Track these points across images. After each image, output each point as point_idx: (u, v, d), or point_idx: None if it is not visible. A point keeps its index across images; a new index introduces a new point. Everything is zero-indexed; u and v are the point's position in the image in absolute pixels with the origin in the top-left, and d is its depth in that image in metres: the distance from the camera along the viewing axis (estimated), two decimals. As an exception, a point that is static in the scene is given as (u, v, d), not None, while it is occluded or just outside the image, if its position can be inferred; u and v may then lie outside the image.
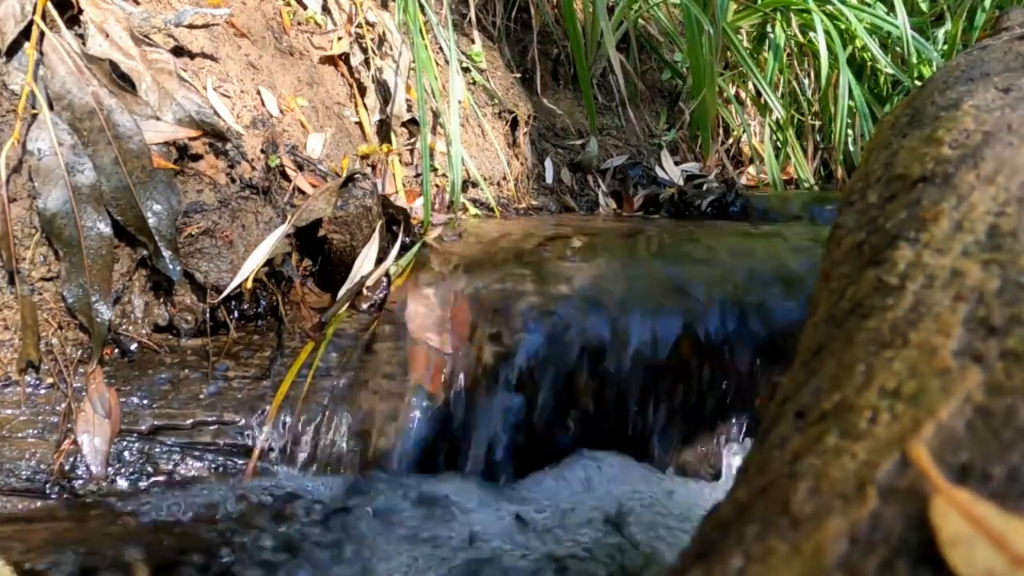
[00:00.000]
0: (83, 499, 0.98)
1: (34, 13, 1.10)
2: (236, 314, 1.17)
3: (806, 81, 2.74)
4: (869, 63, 2.82)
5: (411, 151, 1.73)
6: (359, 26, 1.70)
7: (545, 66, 2.27)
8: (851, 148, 2.63)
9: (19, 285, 1.02)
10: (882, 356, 0.38)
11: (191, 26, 1.27)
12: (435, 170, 1.73)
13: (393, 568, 0.89)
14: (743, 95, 2.73)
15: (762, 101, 2.54)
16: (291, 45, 1.58)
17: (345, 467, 1.04)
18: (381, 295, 1.23)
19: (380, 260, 1.25)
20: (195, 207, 1.15)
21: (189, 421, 1.03)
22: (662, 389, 1.12)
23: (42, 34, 1.10)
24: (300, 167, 1.36)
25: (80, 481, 0.98)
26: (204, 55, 1.31)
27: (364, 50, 1.70)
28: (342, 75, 1.68)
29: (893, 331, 0.39)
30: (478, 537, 0.94)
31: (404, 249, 1.33)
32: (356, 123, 1.65)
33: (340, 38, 1.68)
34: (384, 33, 1.74)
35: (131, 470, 1.00)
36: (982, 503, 0.27)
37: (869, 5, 2.71)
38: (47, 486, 0.97)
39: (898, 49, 2.60)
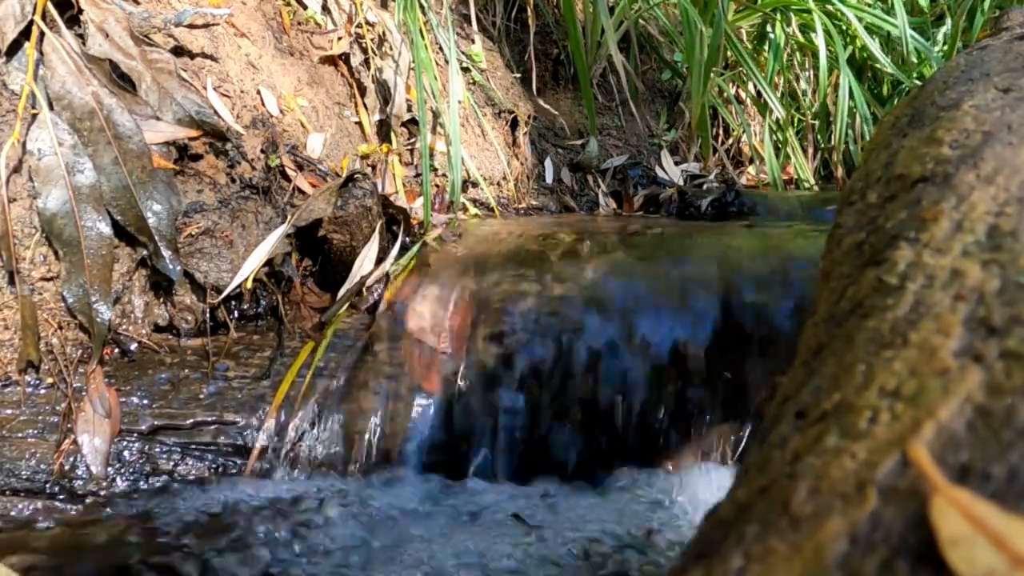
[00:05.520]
0: (83, 499, 0.97)
1: (34, 13, 1.10)
2: (236, 314, 1.17)
3: (806, 81, 2.74)
4: (869, 63, 2.82)
5: (411, 151, 1.73)
6: (359, 26, 1.70)
7: (545, 66, 2.27)
8: (851, 148, 2.63)
9: (19, 285, 1.02)
10: (882, 356, 0.38)
11: (191, 26, 1.27)
12: (435, 170, 1.73)
13: (395, 570, 0.89)
14: (743, 95, 2.72)
15: (762, 101, 2.54)
16: (291, 45, 1.58)
17: (345, 467, 1.04)
18: (381, 295, 1.23)
19: (380, 260, 1.25)
20: (195, 207, 1.15)
21: (189, 421, 1.03)
22: (664, 389, 1.12)
23: (42, 34, 1.10)
24: (300, 167, 1.36)
25: (80, 481, 0.98)
26: (204, 55, 1.31)
27: (364, 50, 1.70)
28: (342, 75, 1.68)
29: (893, 331, 0.39)
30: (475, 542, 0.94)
31: (404, 249, 1.33)
32: (356, 123, 1.65)
33: (340, 38, 1.68)
34: (384, 33, 1.74)
35: (131, 470, 1.00)
36: (982, 503, 0.27)
37: (869, 5, 2.71)
38: (47, 486, 0.97)
39: (899, 49, 2.60)
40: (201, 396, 1.05)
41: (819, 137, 2.69)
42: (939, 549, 0.26)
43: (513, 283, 1.21)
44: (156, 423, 1.02)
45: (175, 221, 1.10)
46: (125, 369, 1.07)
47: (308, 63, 1.59)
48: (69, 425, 1.00)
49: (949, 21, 2.88)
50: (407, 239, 1.36)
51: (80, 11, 1.15)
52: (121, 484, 0.99)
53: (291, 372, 1.09)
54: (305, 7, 1.66)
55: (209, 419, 1.04)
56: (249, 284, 1.15)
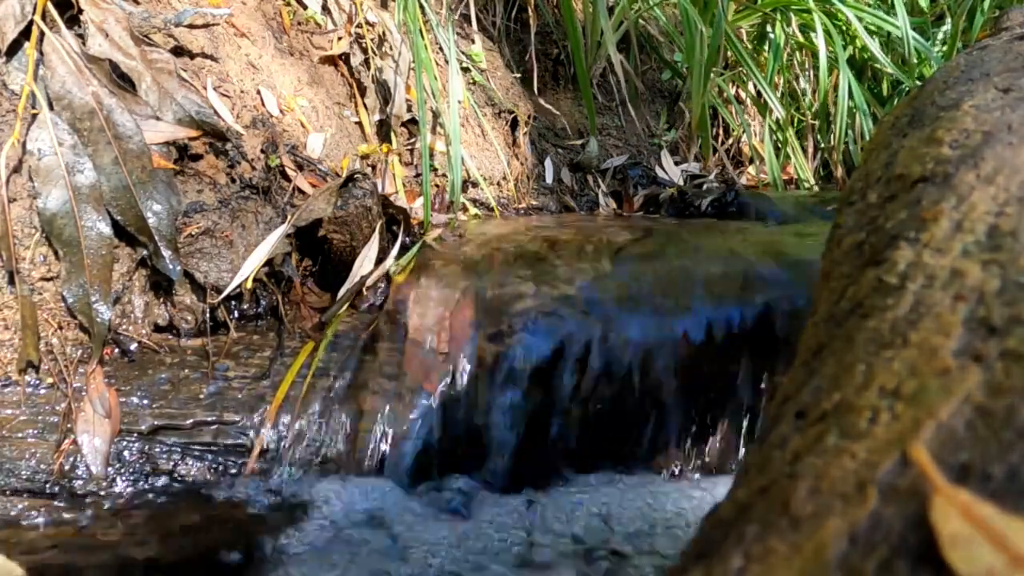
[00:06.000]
0: (83, 499, 0.97)
1: (34, 13, 1.10)
2: (236, 314, 1.17)
3: (806, 81, 2.74)
4: (869, 63, 2.82)
5: (411, 151, 1.73)
6: (359, 26, 1.70)
7: (545, 66, 2.27)
8: (851, 148, 2.63)
9: (19, 285, 1.02)
10: (882, 356, 0.38)
11: (191, 26, 1.27)
12: (435, 170, 1.73)
13: (392, 572, 0.89)
14: (743, 95, 2.72)
15: (762, 101, 2.54)
16: (291, 45, 1.58)
17: (344, 468, 1.04)
18: (381, 295, 1.23)
19: (380, 260, 1.25)
20: (195, 207, 1.15)
21: (189, 421, 1.03)
22: (665, 389, 1.12)
23: (42, 34, 1.10)
24: (300, 167, 1.36)
25: (80, 481, 0.98)
26: (204, 55, 1.31)
27: (364, 50, 1.70)
28: (342, 75, 1.68)
29: (893, 331, 0.39)
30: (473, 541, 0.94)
31: (404, 249, 1.33)
32: (356, 123, 1.65)
33: (340, 38, 1.68)
34: (384, 33, 1.74)
35: (131, 470, 1.00)
36: (982, 503, 0.27)
37: (869, 5, 2.71)
38: (47, 486, 0.97)
39: (899, 49, 2.60)
40: (201, 396, 1.05)
41: (819, 137, 2.69)
42: (939, 549, 0.26)
43: (513, 283, 1.21)
44: (156, 423, 1.03)
45: (175, 221, 1.10)
46: (125, 369, 1.07)
47: (308, 63, 1.59)
48: (69, 425, 1.00)
49: (949, 21, 2.88)
50: (407, 239, 1.36)
51: (80, 11, 1.15)
52: (121, 484, 0.99)
53: (291, 372, 1.09)
54: (305, 7, 1.66)
55: (209, 419, 1.04)
56: (249, 284, 1.15)
